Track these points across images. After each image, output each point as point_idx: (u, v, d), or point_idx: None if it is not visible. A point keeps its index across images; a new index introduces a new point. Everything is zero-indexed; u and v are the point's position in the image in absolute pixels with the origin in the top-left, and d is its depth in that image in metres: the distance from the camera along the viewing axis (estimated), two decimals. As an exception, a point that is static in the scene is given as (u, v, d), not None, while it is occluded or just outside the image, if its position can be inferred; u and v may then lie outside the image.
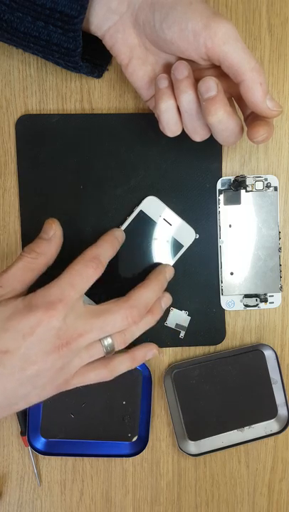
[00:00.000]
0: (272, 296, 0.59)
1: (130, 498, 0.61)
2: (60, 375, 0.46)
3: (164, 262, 0.57)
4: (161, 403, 0.60)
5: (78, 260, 0.48)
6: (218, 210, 0.58)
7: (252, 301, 0.59)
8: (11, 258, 0.58)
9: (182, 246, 0.57)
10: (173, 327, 0.59)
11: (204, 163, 0.58)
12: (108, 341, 0.48)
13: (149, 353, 0.53)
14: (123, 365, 0.50)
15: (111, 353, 0.49)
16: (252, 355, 0.59)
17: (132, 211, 0.57)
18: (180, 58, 0.46)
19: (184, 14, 0.43)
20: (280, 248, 0.58)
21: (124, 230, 0.56)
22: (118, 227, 0.57)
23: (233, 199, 0.58)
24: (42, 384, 0.46)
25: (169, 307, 0.58)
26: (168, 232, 0.57)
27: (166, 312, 0.58)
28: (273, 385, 0.60)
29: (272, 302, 0.59)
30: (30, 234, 0.57)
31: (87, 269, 0.47)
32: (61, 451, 0.59)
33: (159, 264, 0.57)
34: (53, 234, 0.49)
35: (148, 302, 0.50)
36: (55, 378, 0.46)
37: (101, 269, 0.48)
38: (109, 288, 0.56)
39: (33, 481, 0.60)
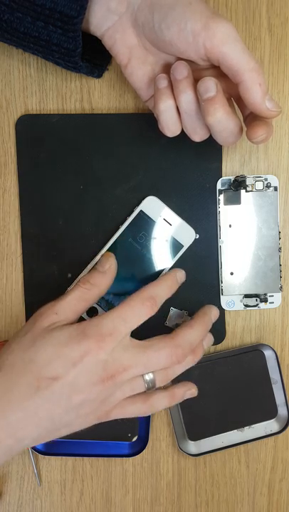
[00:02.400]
0: (272, 296, 0.59)
1: (130, 498, 0.61)
2: (103, 406, 0.47)
3: (179, 275, 0.56)
4: (161, 403, 0.60)
5: (135, 296, 0.48)
6: (218, 210, 0.58)
7: (252, 301, 0.59)
8: (11, 258, 0.58)
9: (182, 246, 0.57)
10: (173, 327, 0.59)
11: (204, 163, 0.58)
12: (150, 377, 0.48)
13: (188, 392, 0.53)
14: (162, 402, 0.51)
15: (152, 389, 0.49)
16: (252, 355, 0.59)
17: (132, 211, 0.57)
18: (179, 58, 0.46)
19: (183, 14, 0.43)
20: (280, 248, 0.58)
21: (124, 230, 0.56)
22: (118, 227, 0.57)
23: (233, 199, 0.58)
24: (85, 413, 0.46)
25: (169, 307, 0.58)
26: (168, 232, 0.57)
27: (166, 312, 0.58)
28: (273, 385, 0.60)
29: (272, 302, 0.59)
30: (30, 234, 0.57)
31: (142, 308, 0.48)
32: (61, 451, 0.59)
33: (205, 305, 0.56)
34: (108, 267, 0.51)
35: (192, 342, 0.50)
36: (98, 409, 0.47)
37: (155, 310, 0.48)
38: (110, 288, 0.56)
39: (33, 481, 0.61)
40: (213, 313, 0.54)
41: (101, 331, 0.46)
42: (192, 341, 0.50)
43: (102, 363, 0.45)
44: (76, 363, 0.44)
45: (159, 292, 0.49)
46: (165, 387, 0.52)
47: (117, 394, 0.47)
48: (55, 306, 0.48)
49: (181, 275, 0.54)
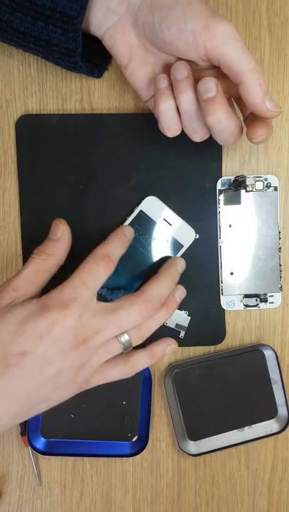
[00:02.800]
0: (272, 296, 0.59)
1: (130, 498, 0.61)
2: (80, 374, 0.47)
3: (174, 257, 0.57)
4: (161, 403, 0.60)
5: (89, 259, 0.48)
6: (218, 210, 0.58)
7: (252, 301, 0.59)
8: (11, 258, 0.58)
9: (182, 246, 0.57)
10: (173, 327, 0.59)
11: (204, 163, 0.58)
12: (125, 337, 0.48)
13: (167, 348, 0.52)
14: (142, 361, 0.50)
15: (128, 349, 0.49)
16: (252, 355, 0.59)
17: (132, 211, 0.57)
18: (179, 58, 0.46)
19: (183, 15, 0.43)
20: (280, 248, 0.58)
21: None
22: (118, 227, 0.57)
23: (233, 199, 0.58)
24: (62, 384, 0.46)
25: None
26: (168, 232, 0.57)
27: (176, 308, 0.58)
28: (273, 385, 0.60)
29: (272, 302, 0.59)
30: (30, 234, 0.57)
31: (98, 267, 0.47)
32: (61, 451, 0.59)
33: (168, 257, 0.56)
34: (61, 234, 0.50)
35: (162, 295, 0.50)
36: (76, 377, 0.46)
37: (112, 267, 0.48)
38: (110, 288, 0.56)
39: (33, 481, 0.61)
40: (179, 264, 0.54)
41: (63, 299, 0.45)
42: (161, 294, 0.50)
43: (72, 329, 0.44)
44: (43, 336, 0.43)
45: (112, 249, 0.49)
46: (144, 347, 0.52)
47: (94, 359, 0.47)
48: (12, 282, 0.47)
49: (127, 229, 0.53)
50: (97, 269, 0.47)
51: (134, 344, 0.49)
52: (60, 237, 0.50)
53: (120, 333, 0.47)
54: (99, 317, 0.46)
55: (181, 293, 0.54)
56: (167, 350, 0.52)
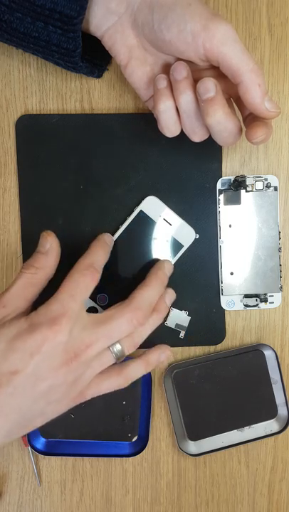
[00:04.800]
0: (272, 296, 0.59)
1: (130, 498, 0.61)
2: (74, 388, 0.46)
3: (162, 258, 0.57)
4: (161, 403, 0.60)
5: (74, 271, 0.47)
6: (218, 210, 0.58)
7: (252, 301, 0.59)
8: (11, 258, 0.58)
9: (182, 246, 0.57)
10: (173, 327, 0.59)
11: (204, 163, 0.58)
12: (117, 347, 0.47)
13: (162, 355, 0.52)
14: (137, 370, 0.50)
15: (122, 358, 0.48)
16: (252, 355, 0.59)
17: (132, 211, 0.57)
18: (179, 59, 0.46)
19: (183, 15, 0.43)
20: (280, 248, 0.58)
21: (124, 230, 0.56)
22: (118, 227, 0.57)
23: (233, 199, 0.58)
24: (56, 399, 0.45)
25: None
26: (168, 232, 0.57)
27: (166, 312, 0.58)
28: (273, 385, 0.60)
29: (273, 302, 0.59)
30: (30, 234, 0.57)
31: (84, 278, 0.47)
32: (61, 451, 0.59)
33: (157, 260, 0.56)
34: (50, 246, 0.49)
35: (151, 301, 0.50)
36: (69, 392, 0.46)
37: (97, 277, 0.47)
38: (110, 288, 0.56)
39: (33, 481, 0.61)
40: (166, 267, 0.54)
41: (51, 315, 0.44)
42: (150, 300, 0.49)
43: (62, 345, 0.44)
44: (33, 353, 0.43)
45: (95, 259, 0.49)
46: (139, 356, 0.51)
47: (87, 372, 0.46)
48: (1, 299, 0.47)
49: (108, 237, 0.53)
50: (84, 281, 0.47)
51: (127, 353, 0.48)
52: (49, 250, 0.49)
53: (112, 343, 0.47)
54: (89, 330, 0.46)
55: (170, 296, 0.54)
56: (162, 358, 0.52)
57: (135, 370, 0.50)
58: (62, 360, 0.44)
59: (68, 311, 0.45)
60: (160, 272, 0.53)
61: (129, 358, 0.51)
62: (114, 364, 0.48)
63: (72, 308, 0.45)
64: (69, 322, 0.44)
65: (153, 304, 0.50)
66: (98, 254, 0.50)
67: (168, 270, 0.54)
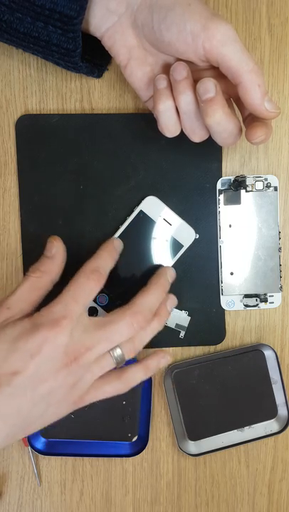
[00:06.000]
0: (272, 296, 0.59)
1: (130, 498, 0.61)
2: (74, 391, 0.46)
3: (163, 264, 0.57)
4: (161, 403, 0.60)
5: (79, 274, 0.47)
6: (218, 210, 0.58)
7: (252, 301, 0.59)
8: (11, 258, 0.58)
9: (182, 246, 0.57)
10: (173, 327, 0.59)
11: (204, 163, 0.58)
12: (117, 352, 0.47)
13: (162, 360, 0.52)
14: (137, 375, 0.50)
15: (122, 363, 0.48)
16: (252, 355, 0.59)
17: (132, 211, 0.57)
18: (179, 59, 0.46)
19: (183, 15, 0.43)
20: (280, 248, 0.58)
21: (124, 230, 0.56)
22: (118, 227, 0.57)
23: (233, 199, 0.58)
24: (56, 402, 0.45)
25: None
26: (168, 232, 0.57)
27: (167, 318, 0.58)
28: (273, 385, 0.60)
29: (273, 302, 0.59)
30: (30, 234, 0.57)
31: (89, 282, 0.47)
32: (61, 451, 0.59)
33: (159, 266, 0.57)
34: (56, 251, 0.49)
35: (152, 306, 0.50)
36: (69, 395, 0.46)
37: (102, 281, 0.48)
38: (110, 288, 0.56)
39: (33, 481, 0.61)
40: (168, 273, 0.54)
41: (53, 316, 0.44)
42: (151, 305, 0.49)
43: (63, 347, 0.44)
44: (34, 354, 0.43)
45: (101, 263, 0.49)
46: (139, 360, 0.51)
47: (87, 376, 0.46)
48: (6, 301, 0.47)
49: (117, 242, 0.53)
50: (88, 284, 0.47)
51: (127, 358, 0.48)
52: (55, 255, 0.49)
53: (112, 347, 0.47)
54: (90, 333, 0.46)
55: (172, 302, 0.53)
56: (162, 363, 0.52)
57: (135, 375, 0.50)
58: (62, 362, 0.44)
59: (70, 313, 0.45)
60: (162, 278, 0.53)
61: (132, 361, 0.51)
62: (113, 369, 0.48)
63: (74, 311, 0.45)
64: (70, 324, 0.44)
65: (154, 309, 0.50)
66: (105, 259, 0.50)
67: (170, 277, 0.54)
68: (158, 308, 0.51)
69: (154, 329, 0.50)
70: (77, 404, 0.48)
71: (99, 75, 0.55)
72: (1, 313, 0.47)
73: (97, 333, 0.46)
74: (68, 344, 0.44)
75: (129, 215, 0.57)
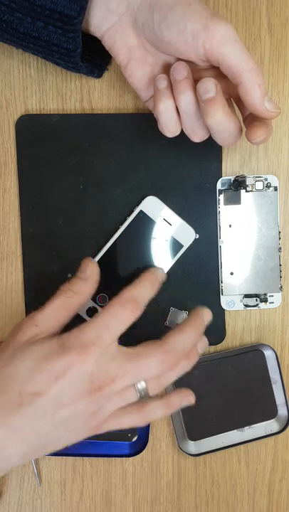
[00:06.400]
0: (272, 296, 0.59)
1: (130, 498, 0.61)
2: (93, 419, 0.45)
3: (163, 264, 0.56)
4: (161, 403, 0.60)
5: (115, 301, 0.45)
6: (218, 210, 0.58)
7: (252, 301, 0.59)
8: (11, 258, 0.58)
9: (182, 246, 0.57)
10: (173, 327, 0.58)
11: (204, 163, 0.58)
12: (142, 386, 0.45)
13: (184, 400, 0.49)
14: (157, 412, 0.48)
15: (145, 398, 0.46)
16: (252, 355, 0.59)
17: (132, 211, 0.57)
18: (179, 59, 0.46)
19: (183, 15, 0.43)
20: (280, 248, 0.58)
21: (124, 230, 0.56)
22: (118, 227, 0.57)
23: (233, 199, 0.58)
24: (74, 428, 0.44)
25: (169, 307, 0.58)
26: (168, 232, 0.57)
27: (166, 312, 0.58)
28: (273, 385, 0.60)
29: (273, 302, 0.59)
30: (30, 234, 0.57)
31: (124, 311, 0.45)
32: (61, 451, 0.59)
33: (197, 307, 0.52)
34: (90, 273, 0.48)
35: (185, 347, 0.47)
36: (88, 422, 0.45)
37: (138, 313, 0.45)
38: (110, 288, 0.56)
39: (33, 481, 0.61)
40: (205, 315, 0.51)
41: (82, 341, 0.43)
42: (184, 346, 0.47)
43: (88, 374, 0.42)
44: (59, 377, 0.42)
45: (141, 293, 0.46)
46: (161, 395, 0.49)
47: (108, 406, 0.45)
48: (35, 317, 0.46)
49: (161, 273, 0.50)
50: (123, 313, 0.45)
51: (151, 394, 0.46)
52: (89, 277, 0.48)
53: (137, 381, 0.45)
54: (117, 363, 0.44)
55: (203, 344, 0.50)
56: (184, 403, 0.49)
57: (155, 411, 0.48)
58: (85, 389, 0.43)
59: (100, 340, 0.43)
60: (199, 320, 0.50)
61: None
62: None
63: (104, 339, 0.43)
64: (98, 351, 0.43)
65: (186, 350, 0.47)
66: (145, 289, 0.47)
67: (207, 319, 0.51)
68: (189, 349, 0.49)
69: (182, 370, 0.48)
70: (93, 432, 0.46)
71: (99, 75, 0.55)
72: (28, 329, 0.45)
73: (124, 364, 0.44)
74: (94, 372, 0.43)
75: (129, 215, 0.57)
